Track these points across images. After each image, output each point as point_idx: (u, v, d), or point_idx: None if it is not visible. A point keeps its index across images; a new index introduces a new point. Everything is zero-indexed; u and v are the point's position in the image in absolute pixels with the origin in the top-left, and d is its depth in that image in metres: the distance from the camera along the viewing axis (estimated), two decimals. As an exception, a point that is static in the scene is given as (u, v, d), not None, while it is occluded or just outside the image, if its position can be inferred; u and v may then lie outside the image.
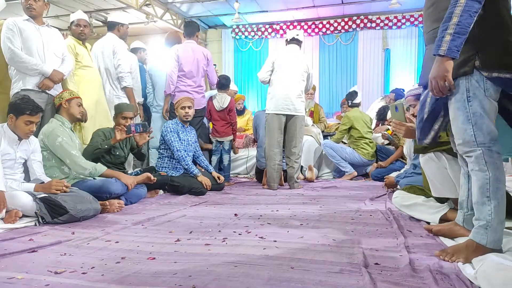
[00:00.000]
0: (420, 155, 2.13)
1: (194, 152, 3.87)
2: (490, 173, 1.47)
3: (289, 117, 3.83)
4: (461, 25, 1.40)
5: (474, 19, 1.41)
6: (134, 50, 4.87)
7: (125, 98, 3.89)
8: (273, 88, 3.87)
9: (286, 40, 4.00)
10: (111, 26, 3.98)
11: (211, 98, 4.39)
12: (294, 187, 3.85)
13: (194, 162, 3.89)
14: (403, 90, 5.72)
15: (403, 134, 2.06)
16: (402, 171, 3.83)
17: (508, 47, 1.49)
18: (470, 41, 1.46)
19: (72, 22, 3.62)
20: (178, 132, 3.68)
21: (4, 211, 2.22)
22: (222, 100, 4.32)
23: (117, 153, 3.24)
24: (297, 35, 3.98)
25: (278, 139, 3.85)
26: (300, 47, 4.00)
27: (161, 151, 3.74)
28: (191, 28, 4.17)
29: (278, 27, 8.14)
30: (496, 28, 1.48)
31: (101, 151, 3.06)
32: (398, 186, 3.38)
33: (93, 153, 3.03)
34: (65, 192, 2.42)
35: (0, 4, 3.00)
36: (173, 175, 3.61)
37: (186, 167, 3.61)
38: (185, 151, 3.66)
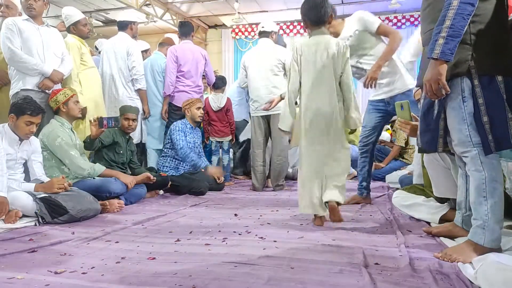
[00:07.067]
0: (424, 154, 2.12)
1: (198, 153, 3.90)
2: (486, 173, 1.47)
3: (268, 118, 3.76)
4: (454, 28, 1.40)
5: (468, 22, 1.42)
6: None
7: (138, 100, 3.86)
8: (249, 91, 3.90)
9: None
10: (124, 26, 3.92)
11: (207, 99, 4.39)
12: (275, 189, 3.78)
13: None
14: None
15: (409, 133, 2.05)
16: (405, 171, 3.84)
17: (502, 48, 1.49)
18: (465, 42, 1.47)
19: (77, 22, 3.48)
20: (186, 133, 3.71)
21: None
22: (218, 100, 4.31)
23: (121, 151, 3.25)
24: (263, 27, 3.89)
25: (259, 139, 3.81)
26: (273, 37, 3.88)
27: (165, 150, 3.75)
28: (187, 28, 4.15)
29: (278, 27, 8.15)
30: (491, 28, 1.48)
31: (88, 145, 3.02)
32: (399, 186, 3.39)
33: (88, 148, 3.04)
34: (66, 190, 2.43)
35: None
36: (174, 174, 3.61)
37: (193, 162, 3.60)
38: (189, 149, 3.69)
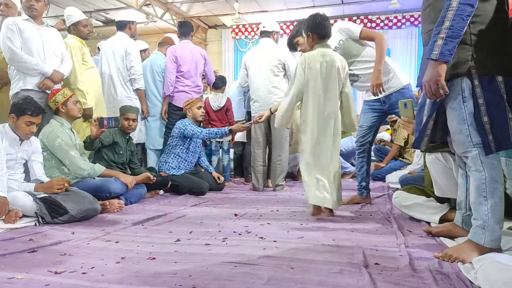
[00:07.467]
0: (426, 154, 2.13)
1: (198, 153, 3.91)
2: (486, 173, 1.47)
3: (268, 118, 3.70)
4: (453, 29, 1.40)
5: (467, 23, 1.42)
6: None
7: (137, 100, 3.86)
8: (250, 90, 3.89)
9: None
10: (122, 25, 3.91)
11: (207, 99, 4.39)
12: (275, 189, 3.77)
13: (196, 163, 3.92)
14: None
15: (411, 132, 2.06)
16: (406, 171, 3.84)
17: (503, 48, 1.49)
18: (465, 42, 1.47)
19: (78, 22, 3.47)
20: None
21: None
22: (218, 100, 4.31)
23: (121, 152, 3.25)
24: (264, 27, 3.87)
25: (259, 139, 3.81)
26: (274, 37, 3.86)
27: (170, 148, 3.73)
28: (186, 28, 4.14)
29: (279, 27, 8.15)
30: (491, 28, 1.48)
31: (88, 145, 3.02)
32: (399, 186, 3.38)
33: (88, 148, 3.04)
34: (66, 190, 2.43)
35: None
36: (174, 174, 3.61)
37: (218, 134, 3.66)
38: (194, 152, 3.72)
